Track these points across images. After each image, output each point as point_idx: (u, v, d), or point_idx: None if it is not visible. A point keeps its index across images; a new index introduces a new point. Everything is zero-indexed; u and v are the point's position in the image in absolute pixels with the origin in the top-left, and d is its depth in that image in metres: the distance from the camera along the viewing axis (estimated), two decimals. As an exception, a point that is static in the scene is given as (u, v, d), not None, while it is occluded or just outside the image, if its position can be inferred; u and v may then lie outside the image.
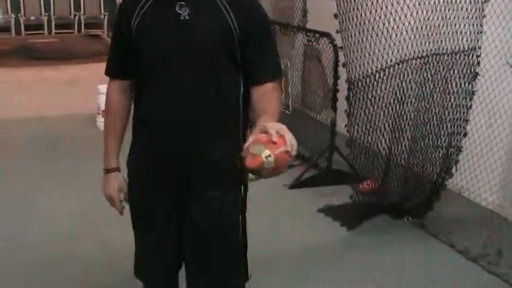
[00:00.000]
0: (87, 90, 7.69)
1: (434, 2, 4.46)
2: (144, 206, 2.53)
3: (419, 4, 4.46)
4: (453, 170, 4.69)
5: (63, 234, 4.47)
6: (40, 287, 3.83)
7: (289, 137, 1.90)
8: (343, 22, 4.43)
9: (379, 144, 4.77)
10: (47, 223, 4.67)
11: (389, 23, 4.48)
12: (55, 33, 15.02)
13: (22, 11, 15.18)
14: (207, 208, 2.41)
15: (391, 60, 4.55)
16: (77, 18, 15.14)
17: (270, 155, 1.84)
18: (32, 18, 15.16)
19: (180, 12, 2.28)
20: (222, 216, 2.45)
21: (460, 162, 4.73)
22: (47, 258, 4.11)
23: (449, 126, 4.61)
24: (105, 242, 4.30)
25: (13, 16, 15.00)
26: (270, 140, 1.88)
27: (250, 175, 1.98)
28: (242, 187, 2.50)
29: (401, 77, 4.59)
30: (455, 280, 4.04)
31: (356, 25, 4.40)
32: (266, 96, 2.29)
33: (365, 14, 4.41)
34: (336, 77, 5.40)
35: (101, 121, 6.48)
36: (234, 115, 2.40)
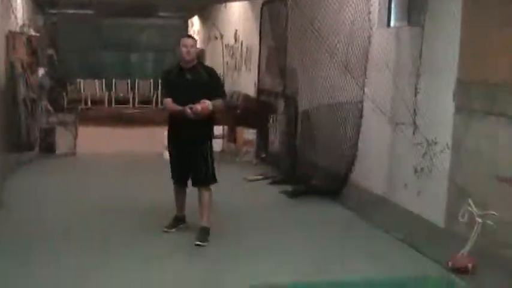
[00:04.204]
0: (156, 141, 11.84)
1: (336, 74, 8.41)
2: (175, 146, 6.65)
3: (328, 77, 8.44)
4: (352, 169, 8.43)
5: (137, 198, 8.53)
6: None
7: (207, 102, 6.14)
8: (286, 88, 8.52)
9: (312, 155, 8.65)
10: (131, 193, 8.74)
11: (312, 86, 8.46)
12: (137, 106, 19.62)
13: (114, 90, 19.85)
14: (197, 147, 6.59)
15: (313, 105, 8.52)
16: (154, 96, 19.46)
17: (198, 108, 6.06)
18: (121, 95, 19.83)
19: (187, 77, 6.47)
20: (201, 150, 6.63)
21: (358, 165, 8.45)
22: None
23: (348, 144, 8.41)
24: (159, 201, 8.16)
25: (106, 93, 19.71)
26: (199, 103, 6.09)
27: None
28: (208, 141, 6.65)
29: (319, 115, 8.52)
30: (338, 218, 7.80)
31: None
32: (216, 100, 6.41)
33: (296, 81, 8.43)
34: (296, 119, 9.33)
35: (166, 154, 10.27)
36: (209, 118, 6.55)
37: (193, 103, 6.42)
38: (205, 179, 6.69)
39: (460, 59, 6.59)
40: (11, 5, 12.69)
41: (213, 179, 6.76)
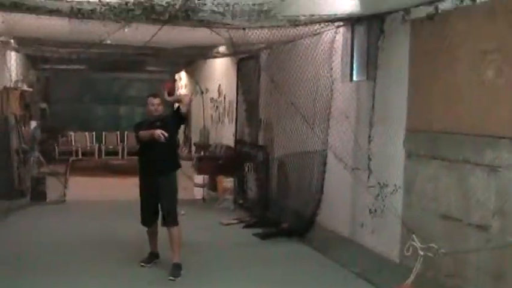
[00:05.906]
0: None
1: (303, 125, 9.19)
2: (144, 185, 7.43)
3: (297, 128, 9.22)
4: (318, 212, 9.16)
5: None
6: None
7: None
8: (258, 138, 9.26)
9: (283, 199, 9.39)
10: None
11: (284, 136, 9.23)
12: (126, 158, 20.32)
13: (103, 142, 20.62)
14: (165, 180, 7.38)
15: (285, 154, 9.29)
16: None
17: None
18: (110, 147, 20.56)
19: (157, 124, 7.33)
20: (169, 183, 7.42)
21: (322, 208, 9.17)
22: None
23: (314, 188, 9.15)
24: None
25: (96, 145, 20.47)
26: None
27: None
28: (174, 173, 7.46)
29: (289, 162, 9.28)
30: (302, 255, 8.49)
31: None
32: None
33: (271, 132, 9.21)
34: (268, 167, 10.08)
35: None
36: (176, 156, 7.39)
37: (161, 149, 7.31)
38: (173, 218, 7.45)
39: (407, 109, 7.36)
40: (6, 63, 13.56)
41: (176, 218, 7.51)
